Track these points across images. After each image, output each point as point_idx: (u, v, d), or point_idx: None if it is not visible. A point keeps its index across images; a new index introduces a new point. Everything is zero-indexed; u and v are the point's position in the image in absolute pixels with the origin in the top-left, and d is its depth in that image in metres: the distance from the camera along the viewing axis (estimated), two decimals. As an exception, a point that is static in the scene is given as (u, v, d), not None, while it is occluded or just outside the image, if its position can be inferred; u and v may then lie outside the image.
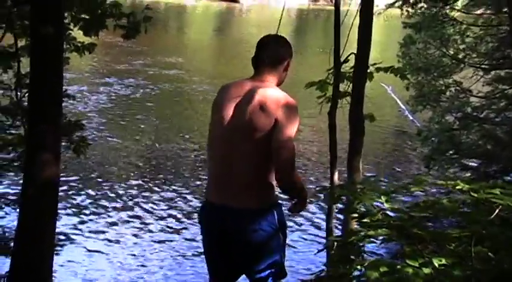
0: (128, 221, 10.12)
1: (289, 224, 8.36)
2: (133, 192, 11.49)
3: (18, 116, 6.36)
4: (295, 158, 3.30)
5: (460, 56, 12.23)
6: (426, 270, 2.82)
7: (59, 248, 6.33)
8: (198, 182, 12.15)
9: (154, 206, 10.89)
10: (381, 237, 3.08)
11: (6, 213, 6.74)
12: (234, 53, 29.95)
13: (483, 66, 11.90)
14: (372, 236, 2.87)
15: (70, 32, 7.00)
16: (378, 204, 3.24)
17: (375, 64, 4.88)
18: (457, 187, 3.04)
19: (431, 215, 3.06)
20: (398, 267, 2.88)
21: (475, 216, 3.00)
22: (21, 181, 6.97)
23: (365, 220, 3.11)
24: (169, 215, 10.45)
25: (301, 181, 3.37)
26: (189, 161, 13.91)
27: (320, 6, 51.49)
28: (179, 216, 10.44)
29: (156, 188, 11.84)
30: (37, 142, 4.97)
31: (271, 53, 3.45)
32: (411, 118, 16.16)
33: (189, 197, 11.39)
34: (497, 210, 3.00)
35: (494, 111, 11.58)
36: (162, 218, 10.35)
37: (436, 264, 2.89)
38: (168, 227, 10.05)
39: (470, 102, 11.88)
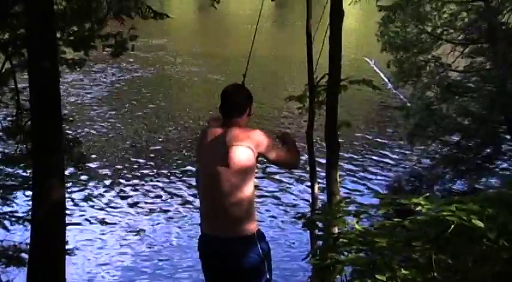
0: (133, 213, 10.69)
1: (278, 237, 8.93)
2: (135, 181, 12.10)
3: (18, 136, 6.76)
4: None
5: (438, 32, 12.57)
6: (392, 285, 3.31)
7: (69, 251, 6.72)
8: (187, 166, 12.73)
9: (157, 191, 11.54)
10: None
11: (16, 230, 7.18)
12: (219, 29, 30.14)
13: (460, 41, 12.27)
14: (348, 260, 3.34)
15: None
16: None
17: (347, 78, 5.31)
18: (418, 208, 3.51)
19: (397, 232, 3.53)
20: (369, 281, 3.36)
21: (433, 232, 3.46)
22: (27, 198, 7.45)
23: (341, 240, 3.58)
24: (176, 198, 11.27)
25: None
26: (179, 147, 14.39)
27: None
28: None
29: (156, 173, 12.41)
30: (43, 168, 5.41)
31: (235, 105, 3.93)
32: (395, 91, 16.56)
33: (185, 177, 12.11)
34: (452, 226, 3.46)
35: (472, 83, 12.01)
36: (169, 205, 11.06)
37: (401, 276, 3.38)
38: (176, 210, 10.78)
39: (449, 77, 12.29)
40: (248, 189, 3.81)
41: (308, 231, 4.69)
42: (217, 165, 3.79)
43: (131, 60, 22.27)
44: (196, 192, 11.07)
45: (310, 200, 4.81)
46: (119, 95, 19.14)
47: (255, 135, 3.86)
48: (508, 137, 10.89)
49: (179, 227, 10.18)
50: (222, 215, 3.81)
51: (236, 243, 3.83)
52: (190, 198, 11.18)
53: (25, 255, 6.52)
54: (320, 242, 4.26)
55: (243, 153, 3.78)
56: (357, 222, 3.59)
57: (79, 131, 14.18)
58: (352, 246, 3.42)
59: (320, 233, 4.08)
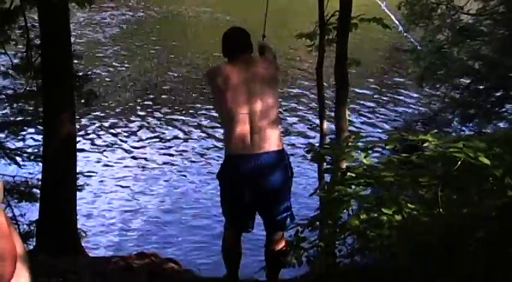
0: (143, 150, 10.86)
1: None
2: (144, 119, 12.21)
3: (29, 72, 6.78)
4: None
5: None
6: (398, 217, 3.37)
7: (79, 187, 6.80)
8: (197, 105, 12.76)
9: (166, 129, 11.70)
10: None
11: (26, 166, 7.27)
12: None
13: (473, -18, 12.06)
14: (355, 193, 3.39)
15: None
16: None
17: (358, 16, 5.28)
18: (425, 144, 3.54)
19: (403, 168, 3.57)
20: (375, 215, 3.42)
21: (441, 169, 3.50)
22: (37, 136, 7.50)
23: (349, 174, 3.63)
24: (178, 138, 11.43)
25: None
26: (189, 85, 14.44)
27: None
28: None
29: (164, 114, 12.53)
30: (54, 104, 5.45)
31: (247, 43, 4.31)
32: (405, 34, 16.39)
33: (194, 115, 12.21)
34: (459, 163, 3.50)
35: (485, 26, 11.86)
36: (171, 141, 11.22)
37: (407, 211, 3.43)
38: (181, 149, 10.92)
39: (461, 20, 12.13)
40: (277, 106, 4.21)
41: (316, 166, 4.75)
42: (256, 87, 4.13)
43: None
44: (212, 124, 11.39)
45: (319, 137, 4.86)
46: (129, 34, 19.07)
47: (273, 61, 4.41)
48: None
49: (188, 163, 10.36)
50: (261, 130, 4.08)
51: (272, 156, 4.08)
52: (197, 134, 11.42)
53: (37, 191, 6.62)
54: (328, 176, 4.32)
55: (275, 75, 4.26)
56: (365, 157, 3.63)
57: (89, 69, 14.20)
58: (360, 180, 3.47)
59: (328, 166, 4.13)
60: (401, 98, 13.81)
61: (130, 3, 21.99)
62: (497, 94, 10.91)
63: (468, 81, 11.13)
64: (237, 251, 4.43)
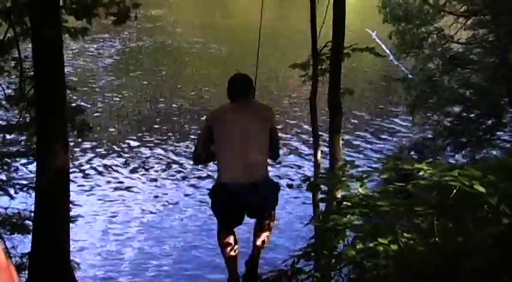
0: (136, 180, 10.86)
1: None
2: (134, 151, 12.21)
3: (22, 103, 6.78)
4: None
5: (440, 3, 12.51)
6: (394, 247, 3.36)
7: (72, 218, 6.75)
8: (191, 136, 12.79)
9: (158, 162, 11.68)
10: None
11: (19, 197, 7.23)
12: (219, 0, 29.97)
13: (462, 13, 12.22)
14: (350, 222, 3.39)
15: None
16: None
17: (350, 46, 5.33)
18: (420, 173, 3.54)
19: (399, 198, 3.57)
20: (371, 245, 3.41)
21: (436, 198, 3.51)
22: (29, 166, 7.48)
23: (344, 203, 3.63)
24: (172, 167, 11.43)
25: None
26: (182, 117, 14.44)
27: None
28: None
29: (156, 145, 12.50)
30: (47, 135, 5.44)
31: (249, 88, 4.79)
32: (396, 63, 16.53)
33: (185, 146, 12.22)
34: (454, 191, 3.50)
35: (475, 55, 11.99)
36: (165, 174, 11.19)
37: (403, 240, 3.42)
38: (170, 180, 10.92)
39: (451, 49, 12.26)
40: (267, 142, 4.63)
41: (308, 195, 4.76)
42: (251, 126, 4.58)
43: (131, 31, 22.18)
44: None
45: (313, 166, 4.87)
46: (121, 65, 19.13)
47: (272, 111, 4.92)
48: (510, 109, 10.91)
49: (180, 193, 10.35)
50: (251, 162, 4.52)
51: (258, 185, 4.54)
52: (190, 165, 11.36)
53: (29, 223, 6.57)
54: (323, 206, 4.32)
55: (268, 118, 4.68)
56: (361, 186, 3.63)
57: (82, 99, 14.23)
58: (355, 210, 3.47)
59: (323, 196, 4.13)
60: (394, 126, 13.89)
61: (123, 35, 22.09)
62: (489, 122, 11.00)
63: (459, 109, 11.21)
64: (233, 238, 4.75)
